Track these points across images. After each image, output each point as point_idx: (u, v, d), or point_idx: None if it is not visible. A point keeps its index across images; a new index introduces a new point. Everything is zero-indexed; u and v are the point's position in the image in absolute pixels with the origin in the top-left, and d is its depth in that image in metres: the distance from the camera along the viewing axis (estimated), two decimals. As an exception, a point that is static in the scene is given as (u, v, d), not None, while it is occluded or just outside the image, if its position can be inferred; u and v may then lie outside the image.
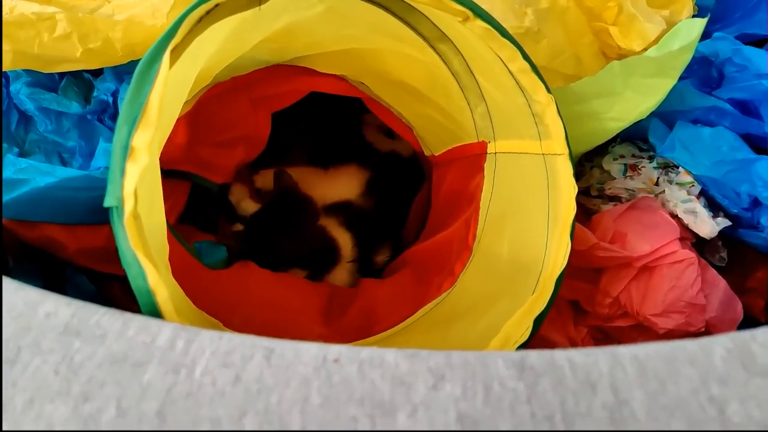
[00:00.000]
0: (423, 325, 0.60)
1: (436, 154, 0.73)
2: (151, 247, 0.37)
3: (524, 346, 0.45)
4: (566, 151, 0.48)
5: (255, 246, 0.75)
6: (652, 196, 0.65)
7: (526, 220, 0.53)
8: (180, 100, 0.50)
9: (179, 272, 0.44)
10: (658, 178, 0.66)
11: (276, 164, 0.84)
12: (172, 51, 0.38)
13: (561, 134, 0.48)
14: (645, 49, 0.60)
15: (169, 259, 0.44)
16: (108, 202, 0.34)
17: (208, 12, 0.41)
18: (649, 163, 0.67)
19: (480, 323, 0.51)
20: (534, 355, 0.28)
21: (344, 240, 0.78)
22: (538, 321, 0.45)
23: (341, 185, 0.84)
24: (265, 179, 0.83)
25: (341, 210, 0.81)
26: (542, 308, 0.45)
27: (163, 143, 0.55)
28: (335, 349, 0.28)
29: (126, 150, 0.34)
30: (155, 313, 0.34)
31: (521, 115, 0.51)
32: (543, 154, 0.50)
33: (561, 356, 0.28)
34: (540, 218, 0.50)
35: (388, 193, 0.85)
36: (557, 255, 0.46)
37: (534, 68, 0.47)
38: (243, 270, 0.74)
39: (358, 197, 0.83)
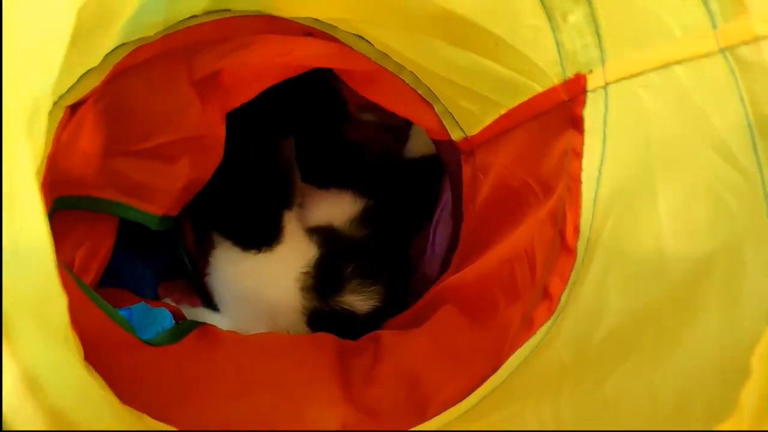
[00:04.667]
0: (522, 389, 0.36)
1: (475, 133, 0.50)
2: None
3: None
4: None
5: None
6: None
7: (699, 177, 0.30)
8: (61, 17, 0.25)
9: (98, 355, 0.32)
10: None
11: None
12: None
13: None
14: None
15: (84, 336, 0.32)
16: None
17: None
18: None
19: (670, 363, 0.27)
20: None
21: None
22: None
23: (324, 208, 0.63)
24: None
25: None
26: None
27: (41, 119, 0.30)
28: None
29: None
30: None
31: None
32: (722, 49, 0.29)
33: None
34: (737, 167, 0.28)
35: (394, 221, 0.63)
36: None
37: None
38: (202, 342, 0.48)
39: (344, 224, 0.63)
